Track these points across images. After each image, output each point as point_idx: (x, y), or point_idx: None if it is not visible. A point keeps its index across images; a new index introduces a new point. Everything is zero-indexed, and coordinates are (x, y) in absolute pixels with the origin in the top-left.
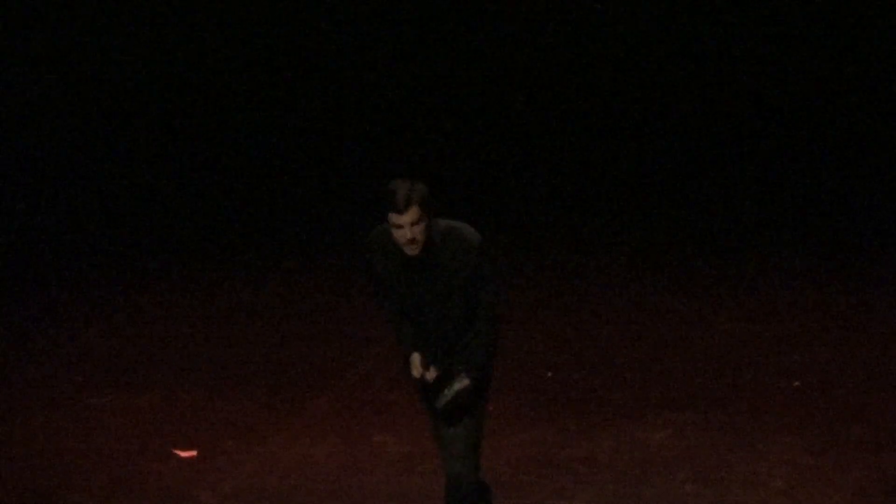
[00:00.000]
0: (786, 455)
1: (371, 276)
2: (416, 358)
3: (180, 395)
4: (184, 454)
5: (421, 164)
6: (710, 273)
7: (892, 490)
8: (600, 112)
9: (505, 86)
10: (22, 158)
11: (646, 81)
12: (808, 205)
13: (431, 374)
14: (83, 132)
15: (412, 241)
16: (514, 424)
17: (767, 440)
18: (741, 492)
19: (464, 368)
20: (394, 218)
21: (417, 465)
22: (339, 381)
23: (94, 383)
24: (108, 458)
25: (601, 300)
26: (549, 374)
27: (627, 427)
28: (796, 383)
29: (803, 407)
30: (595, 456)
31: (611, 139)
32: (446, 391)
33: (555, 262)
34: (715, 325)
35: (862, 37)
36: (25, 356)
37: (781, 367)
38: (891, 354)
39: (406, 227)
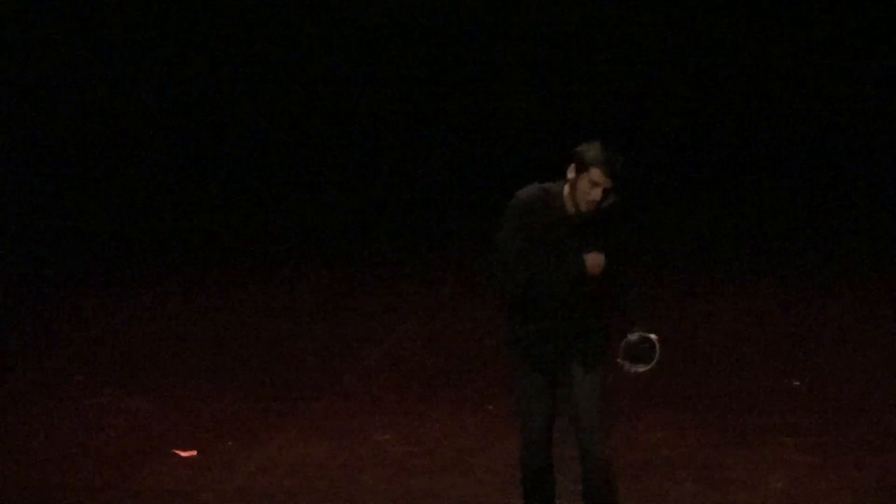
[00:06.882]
0: (786, 455)
1: (511, 239)
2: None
3: (180, 395)
4: (184, 454)
5: (413, 161)
6: (712, 273)
7: (892, 490)
8: (597, 111)
9: (502, 84)
10: (22, 157)
11: (647, 79)
12: (809, 205)
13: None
14: (83, 130)
15: (597, 202)
16: (515, 425)
17: (767, 440)
18: (741, 492)
19: (635, 320)
20: (597, 176)
21: (417, 465)
22: (339, 381)
23: (94, 383)
24: (108, 458)
25: None
26: None
27: (627, 427)
28: (796, 383)
29: (803, 407)
30: None
31: (611, 138)
32: (630, 351)
33: None
34: (715, 325)
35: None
36: (25, 356)
37: (781, 367)
38: (891, 354)
39: (602, 188)
